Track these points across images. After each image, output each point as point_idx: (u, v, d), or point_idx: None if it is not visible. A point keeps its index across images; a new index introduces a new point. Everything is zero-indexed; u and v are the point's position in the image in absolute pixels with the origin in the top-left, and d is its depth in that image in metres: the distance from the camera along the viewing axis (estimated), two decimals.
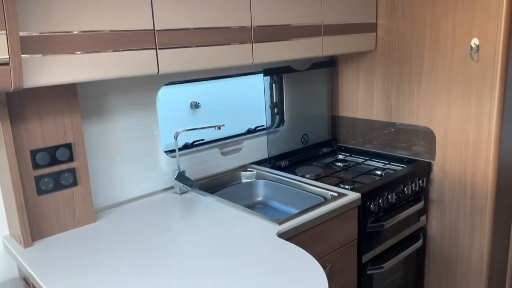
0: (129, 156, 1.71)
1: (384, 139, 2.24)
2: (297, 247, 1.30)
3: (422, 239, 2.07)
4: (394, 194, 1.88)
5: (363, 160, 2.22)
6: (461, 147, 1.92)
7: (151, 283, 1.14)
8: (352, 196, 1.69)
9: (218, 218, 1.53)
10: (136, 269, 1.21)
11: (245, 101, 2.42)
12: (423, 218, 2.08)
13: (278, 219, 1.49)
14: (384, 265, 1.84)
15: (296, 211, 1.58)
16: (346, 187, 1.79)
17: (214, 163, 2.00)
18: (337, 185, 1.83)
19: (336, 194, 1.71)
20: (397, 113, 2.14)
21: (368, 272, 1.83)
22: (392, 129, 2.19)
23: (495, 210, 1.90)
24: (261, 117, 2.20)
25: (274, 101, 2.22)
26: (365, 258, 1.80)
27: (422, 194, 2.04)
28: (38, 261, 1.28)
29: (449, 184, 2.00)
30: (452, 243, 2.05)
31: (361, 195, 1.71)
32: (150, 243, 1.36)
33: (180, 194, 1.78)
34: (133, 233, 1.43)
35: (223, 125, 1.80)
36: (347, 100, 2.35)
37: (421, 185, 2.01)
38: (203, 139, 2.00)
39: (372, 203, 1.77)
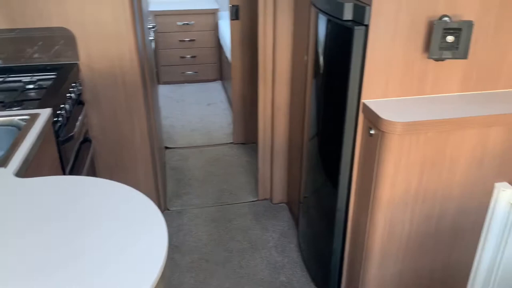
0: None
1: (14, 50, 1.94)
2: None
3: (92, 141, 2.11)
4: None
5: (1, 79, 1.87)
6: (104, 41, 1.99)
7: None
8: (45, 112, 1.49)
9: None
10: None
11: None
12: (86, 120, 2.08)
13: None
14: None
15: None
16: (19, 107, 1.55)
17: None
18: (5, 110, 1.53)
19: (27, 117, 1.45)
20: (23, 17, 1.88)
21: None
22: (21, 37, 1.92)
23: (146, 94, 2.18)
24: None
25: None
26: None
27: (81, 98, 2.01)
28: None
29: (100, 80, 2.06)
30: (115, 134, 2.20)
31: (52, 109, 1.54)
32: None
33: None
34: None
35: None
36: None
37: (79, 87, 1.97)
38: None
39: (59, 116, 1.63)
